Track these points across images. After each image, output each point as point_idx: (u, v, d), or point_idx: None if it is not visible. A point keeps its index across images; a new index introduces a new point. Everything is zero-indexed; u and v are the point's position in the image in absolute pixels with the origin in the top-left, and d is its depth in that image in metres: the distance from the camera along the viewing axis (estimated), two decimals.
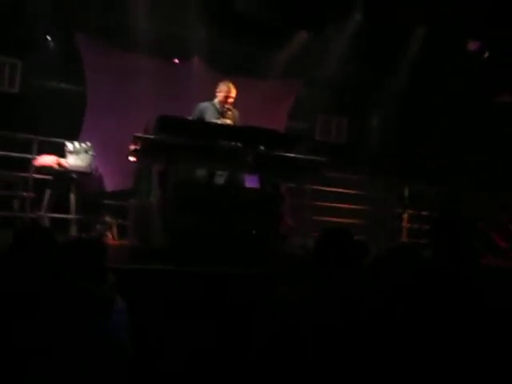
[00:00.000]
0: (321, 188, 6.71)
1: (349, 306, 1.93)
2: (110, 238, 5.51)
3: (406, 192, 7.07)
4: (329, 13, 6.75)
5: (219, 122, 5.13)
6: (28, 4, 6.07)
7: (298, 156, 4.99)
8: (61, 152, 5.61)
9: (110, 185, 6.35)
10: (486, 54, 6.27)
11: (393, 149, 7.40)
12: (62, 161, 5.55)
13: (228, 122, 5.22)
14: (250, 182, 5.99)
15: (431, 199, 7.07)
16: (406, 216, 7.02)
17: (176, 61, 7.18)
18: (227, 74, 6.15)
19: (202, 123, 5.09)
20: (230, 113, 5.22)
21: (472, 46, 6.40)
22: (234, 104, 5.24)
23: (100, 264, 2.28)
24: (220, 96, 5.16)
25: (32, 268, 2.03)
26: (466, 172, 7.23)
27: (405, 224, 6.98)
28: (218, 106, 5.20)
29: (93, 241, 2.51)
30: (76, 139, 5.84)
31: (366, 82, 7.31)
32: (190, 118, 5.17)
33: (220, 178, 5.11)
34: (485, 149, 7.09)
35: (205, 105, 5.19)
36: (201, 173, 5.06)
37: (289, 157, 4.94)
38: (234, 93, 5.15)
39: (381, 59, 6.66)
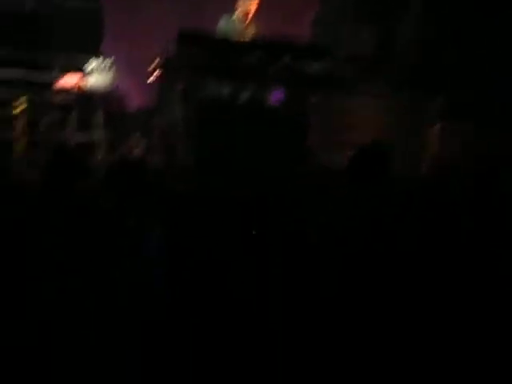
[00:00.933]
0: (349, 102, 6.51)
1: (381, 220, 1.93)
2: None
3: (437, 104, 6.82)
4: None
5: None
6: None
7: (324, 68, 4.86)
8: (82, 72, 5.51)
9: (132, 103, 6.31)
10: None
11: (424, 59, 7.05)
12: (84, 80, 5.48)
13: None
14: (275, 96, 5.87)
15: (463, 110, 6.85)
16: (437, 128, 6.84)
17: None
18: None
19: (223, 39, 4.95)
20: (250, 29, 5.12)
21: None
22: (254, 17, 5.11)
23: (145, 186, 2.22)
24: (240, 12, 5.04)
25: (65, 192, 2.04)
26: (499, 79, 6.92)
27: (437, 137, 6.82)
28: (237, 22, 5.09)
29: (138, 161, 2.40)
30: (96, 57, 5.71)
31: None
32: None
33: (244, 94, 5.03)
34: None
35: (224, 22, 5.07)
36: (225, 90, 4.99)
37: (314, 69, 4.81)
38: (253, 8, 5.01)
39: None
